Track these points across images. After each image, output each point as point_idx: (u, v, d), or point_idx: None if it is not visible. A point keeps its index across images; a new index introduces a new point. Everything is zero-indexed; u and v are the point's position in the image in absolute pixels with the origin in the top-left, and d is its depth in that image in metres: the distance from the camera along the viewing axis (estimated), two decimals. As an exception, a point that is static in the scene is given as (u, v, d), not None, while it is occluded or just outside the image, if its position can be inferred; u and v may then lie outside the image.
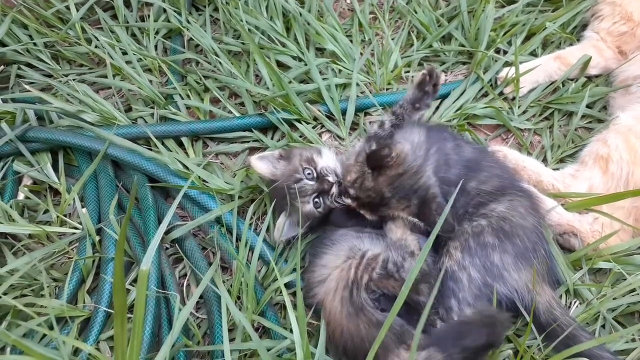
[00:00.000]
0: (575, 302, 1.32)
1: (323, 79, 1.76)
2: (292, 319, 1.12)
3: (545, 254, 1.27)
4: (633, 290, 1.28)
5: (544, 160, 1.64)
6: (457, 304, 1.19)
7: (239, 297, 1.34)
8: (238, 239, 1.45)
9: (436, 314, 1.20)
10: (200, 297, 1.38)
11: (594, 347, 1.12)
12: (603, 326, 1.28)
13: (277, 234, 1.40)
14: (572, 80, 1.80)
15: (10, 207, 1.52)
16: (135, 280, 1.43)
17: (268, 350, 1.19)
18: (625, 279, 1.31)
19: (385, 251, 1.24)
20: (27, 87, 1.72)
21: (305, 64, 1.82)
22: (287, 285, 1.38)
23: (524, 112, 1.76)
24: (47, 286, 1.38)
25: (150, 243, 0.91)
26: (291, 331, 1.21)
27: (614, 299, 1.28)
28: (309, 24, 1.90)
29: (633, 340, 1.23)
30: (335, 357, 1.21)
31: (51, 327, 1.24)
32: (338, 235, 1.33)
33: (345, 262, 1.23)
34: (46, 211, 1.57)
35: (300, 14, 1.90)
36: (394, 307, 0.92)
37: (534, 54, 1.91)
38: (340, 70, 1.83)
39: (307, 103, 1.71)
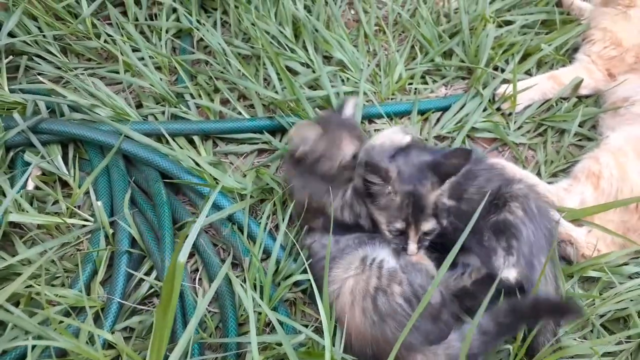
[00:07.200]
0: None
1: (332, 86, 1.82)
2: (319, 304, 1.15)
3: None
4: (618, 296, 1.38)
5: (538, 174, 1.73)
6: (517, 243, 1.18)
7: (250, 293, 1.39)
8: (249, 238, 1.50)
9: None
10: (212, 291, 1.42)
11: None
12: (591, 331, 1.38)
13: (350, 109, 1.50)
14: (564, 99, 1.91)
15: (20, 196, 1.53)
16: (147, 273, 1.47)
17: (280, 345, 1.24)
18: (613, 287, 1.40)
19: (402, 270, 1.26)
20: (40, 78, 1.73)
21: (314, 71, 1.88)
22: (297, 284, 1.43)
23: (519, 128, 1.86)
24: (58, 277, 1.41)
25: (190, 234, 0.95)
26: (305, 326, 1.26)
27: (603, 302, 1.38)
28: (317, 31, 1.96)
29: (620, 343, 1.32)
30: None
31: (66, 315, 1.27)
32: (338, 251, 1.32)
33: (359, 273, 1.23)
34: (55, 202, 1.59)
35: (309, 21, 1.96)
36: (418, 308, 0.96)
37: (528, 73, 2.01)
38: (348, 79, 1.90)
39: (316, 109, 1.77)
